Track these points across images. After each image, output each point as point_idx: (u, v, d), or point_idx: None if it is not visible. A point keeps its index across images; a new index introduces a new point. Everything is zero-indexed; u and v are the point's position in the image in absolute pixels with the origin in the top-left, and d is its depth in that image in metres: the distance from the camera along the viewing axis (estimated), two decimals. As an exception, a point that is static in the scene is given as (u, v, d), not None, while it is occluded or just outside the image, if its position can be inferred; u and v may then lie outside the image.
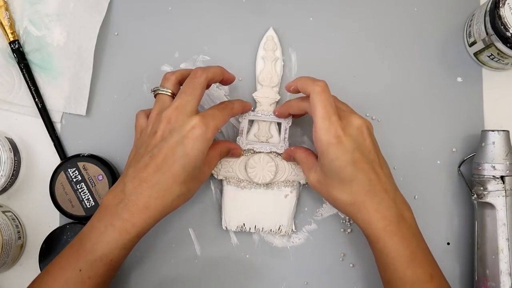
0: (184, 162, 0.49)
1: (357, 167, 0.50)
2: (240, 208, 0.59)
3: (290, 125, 0.59)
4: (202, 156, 0.50)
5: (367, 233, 0.51)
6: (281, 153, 0.59)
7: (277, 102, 0.61)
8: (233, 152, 0.58)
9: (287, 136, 0.59)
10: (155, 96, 0.54)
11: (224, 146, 0.57)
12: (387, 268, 0.51)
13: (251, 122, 0.60)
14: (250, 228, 0.59)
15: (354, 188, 0.50)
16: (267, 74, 0.60)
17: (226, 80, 0.56)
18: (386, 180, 0.52)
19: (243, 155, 0.59)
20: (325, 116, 0.49)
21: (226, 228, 0.60)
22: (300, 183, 0.59)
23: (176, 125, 0.50)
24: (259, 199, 0.59)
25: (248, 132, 0.60)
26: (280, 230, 0.59)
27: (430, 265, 0.51)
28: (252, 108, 0.60)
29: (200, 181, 0.54)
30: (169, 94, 0.53)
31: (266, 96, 0.60)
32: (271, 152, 0.59)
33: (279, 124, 0.60)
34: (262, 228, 0.59)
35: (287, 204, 0.59)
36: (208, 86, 0.54)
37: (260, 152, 0.59)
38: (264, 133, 0.59)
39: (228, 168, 0.59)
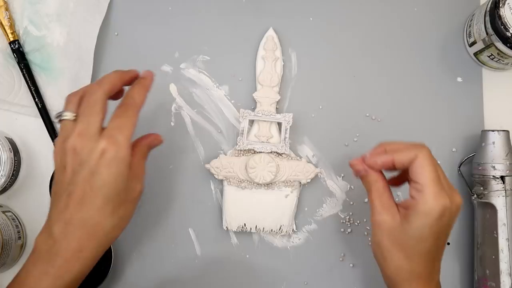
0: (105, 193, 0.45)
1: (438, 246, 0.47)
2: (241, 208, 0.59)
3: (290, 125, 0.59)
4: (123, 178, 0.45)
5: None
6: (282, 153, 0.59)
7: (277, 102, 0.61)
8: (154, 143, 0.52)
9: (287, 136, 0.59)
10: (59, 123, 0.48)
11: (143, 146, 0.51)
12: None
13: (252, 122, 0.60)
14: (251, 228, 0.59)
15: (420, 260, 0.47)
16: (267, 74, 0.60)
17: (130, 80, 0.50)
18: (439, 270, 0.50)
19: (162, 141, 0.53)
20: (436, 180, 0.46)
21: (227, 228, 0.60)
22: (300, 183, 0.59)
23: (83, 155, 0.44)
24: (259, 199, 0.59)
25: (248, 132, 0.60)
26: (281, 230, 0.59)
27: None
28: (253, 108, 0.60)
29: (133, 200, 0.48)
30: (73, 118, 0.46)
31: (267, 96, 0.60)
32: (271, 152, 0.59)
33: (279, 124, 0.60)
34: (263, 228, 0.59)
35: (287, 204, 0.59)
36: (114, 97, 0.49)
37: (261, 152, 0.59)
38: (265, 133, 0.59)
39: (229, 168, 0.59)
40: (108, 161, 0.44)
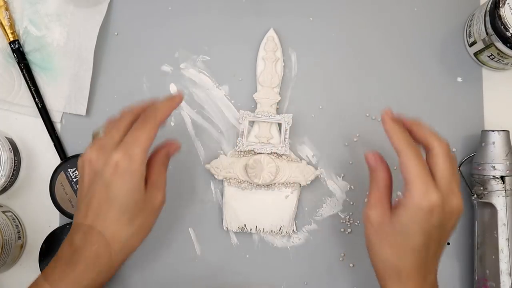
0: (119, 204, 0.46)
1: (428, 244, 0.47)
2: (241, 208, 0.59)
3: (290, 125, 0.59)
4: (137, 190, 0.46)
5: None
6: (282, 154, 0.59)
7: (278, 103, 0.61)
8: (172, 151, 0.52)
9: (287, 136, 0.59)
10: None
11: (162, 155, 0.51)
12: None
13: (252, 123, 0.60)
14: (251, 229, 0.59)
15: (409, 257, 0.47)
16: (268, 75, 0.60)
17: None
18: (433, 270, 0.49)
19: (180, 147, 0.53)
20: (422, 176, 0.45)
21: (227, 229, 0.60)
22: (300, 184, 0.59)
23: (98, 166, 0.46)
24: (260, 200, 0.59)
25: (248, 133, 0.60)
26: (281, 231, 0.59)
27: None
28: (253, 107, 0.60)
29: (153, 210, 0.49)
30: (102, 134, 0.49)
31: (267, 97, 0.60)
32: (271, 153, 0.59)
33: (279, 125, 0.60)
34: (263, 228, 0.59)
35: (287, 205, 0.59)
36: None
37: (261, 153, 0.59)
38: (265, 134, 0.59)
39: (229, 169, 0.59)
40: (121, 173, 0.45)
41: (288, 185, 0.59)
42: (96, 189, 0.46)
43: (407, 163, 0.46)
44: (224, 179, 0.59)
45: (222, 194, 0.60)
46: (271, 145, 0.59)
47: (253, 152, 0.59)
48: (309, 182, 0.59)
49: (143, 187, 0.47)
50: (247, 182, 0.59)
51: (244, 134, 0.59)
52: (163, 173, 0.51)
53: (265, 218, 0.59)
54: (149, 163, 0.49)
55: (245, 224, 0.59)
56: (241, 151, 0.59)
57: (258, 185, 0.59)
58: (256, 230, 0.59)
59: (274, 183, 0.59)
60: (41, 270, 0.59)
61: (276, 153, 0.59)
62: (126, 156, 0.45)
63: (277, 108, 0.61)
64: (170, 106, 0.49)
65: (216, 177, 0.59)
